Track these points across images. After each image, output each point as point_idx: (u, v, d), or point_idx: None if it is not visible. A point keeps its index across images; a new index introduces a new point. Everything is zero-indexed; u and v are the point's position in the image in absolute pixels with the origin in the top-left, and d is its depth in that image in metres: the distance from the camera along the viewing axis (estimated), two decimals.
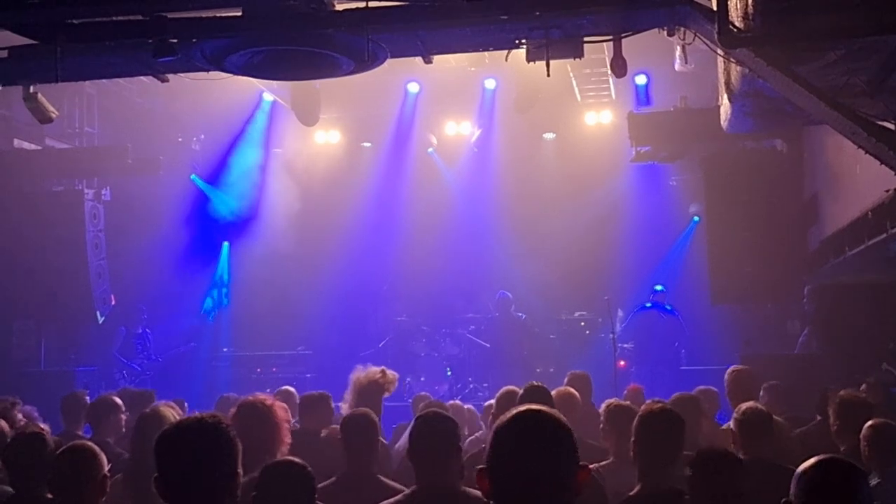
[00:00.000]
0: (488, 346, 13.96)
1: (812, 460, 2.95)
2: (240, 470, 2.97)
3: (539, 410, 2.46)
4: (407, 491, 4.37)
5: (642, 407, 4.90)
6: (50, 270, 12.31)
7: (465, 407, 8.58)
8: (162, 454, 2.92)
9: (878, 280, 10.55)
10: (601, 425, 5.67)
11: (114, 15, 6.89)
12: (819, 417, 7.04)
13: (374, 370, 6.61)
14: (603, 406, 5.83)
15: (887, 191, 7.04)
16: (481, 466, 2.40)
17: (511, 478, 2.32)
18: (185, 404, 7.90)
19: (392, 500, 4.33)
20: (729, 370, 7.49)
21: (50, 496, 4.37)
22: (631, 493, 4.30)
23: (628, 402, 6.08)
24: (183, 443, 2.93)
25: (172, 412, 5.30)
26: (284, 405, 5.31)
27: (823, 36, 5.77)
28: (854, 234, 8.52)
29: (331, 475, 4.96)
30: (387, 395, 6.55)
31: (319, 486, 4.76)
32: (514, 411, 2.45)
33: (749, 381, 7.33)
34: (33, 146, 13.06)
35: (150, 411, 5.45)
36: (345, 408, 6.60)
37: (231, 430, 2.98)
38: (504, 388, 6.45)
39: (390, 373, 6.62)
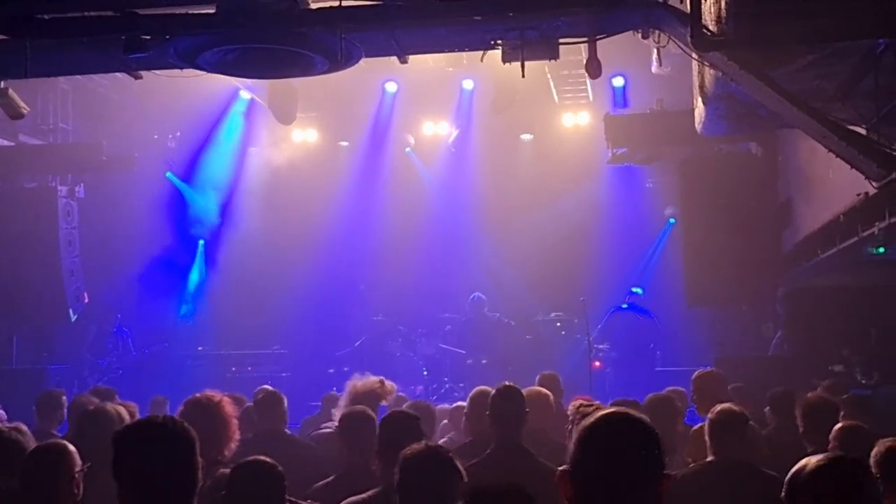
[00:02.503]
0: (463, 352, 13.94)
1: (819, 459, 2.88)
2: (199, 470, 2.97)
3: (628, 414, 2.41)
4: (373, 490, 4.38)
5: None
6: (22, 268, 12.17)
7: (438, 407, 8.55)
8: (121, 453, 2.92)
9: (850, 283, 10.65)
10: (568, 426, 5.64)
11: (84, 10, 6.83)
12: (775, 423, 7.08)
13: (373, 380, 6.65)
14: (571, 407, 5.81)
15: (858, 194, 7.10)
16: (564, 468, 2.35)
17: (596, 482, 2.29)
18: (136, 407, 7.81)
19: (358, 497, 4.34)
20: (696, 374, 7.50)
21: None
22: None
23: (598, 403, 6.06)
24: (142, 442, 2.94)
25: (119, 410, 5.24)
26: (232, 401, 5.28)
27: (795, 40, 5.81)
28: (826, 237, 8.60)
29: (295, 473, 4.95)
30: (384, 403, 6.55)
31: (321, 484, 4.78)
32: (602, 414, 2.40)
33: (717, 384, 7.34)
34: (6, 142, 12.90)
35: (94, 409, 5.40)
36: (336, 414, 6.58)
37: (190, 430, 2.99)
38: (477, 389, 6.44)
39: (389, 383, 6.66)
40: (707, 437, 5.48)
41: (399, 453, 3.99)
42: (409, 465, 3.71)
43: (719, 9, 5.84)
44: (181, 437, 2.97)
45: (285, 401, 6.67)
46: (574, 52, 9.40)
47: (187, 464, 2.94)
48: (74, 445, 4.65)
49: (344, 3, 6.65)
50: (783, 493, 2.85)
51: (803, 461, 2.86)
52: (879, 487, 2.88)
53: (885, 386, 9.45)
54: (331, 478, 4.96)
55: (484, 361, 13.32)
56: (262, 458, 4.12)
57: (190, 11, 6.81)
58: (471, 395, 6.33)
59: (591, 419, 2.38)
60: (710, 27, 6.03)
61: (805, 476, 2.80)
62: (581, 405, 5.68)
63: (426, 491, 3.66)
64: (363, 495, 4.36)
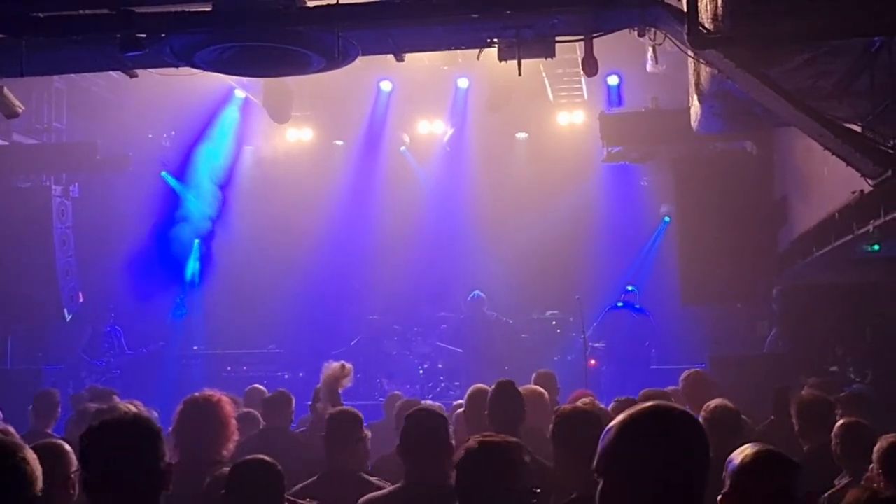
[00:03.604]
0: (461, 351, 13.95)
1: (748, 450, 2.94)
2: (163, 464, 2.95)
3: (672, 407, 2.37)
4: (395, 486, 4.38)
5: (559, 409, 4.85)
6: (17, 267, 12.15)
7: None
8: (84, 452, 2.94)
9: (845, 281, 10.67)
10: None
11: (80, 9, 6.81)
12: (773, 417, 7.12)
13: (335, 365, 6.82)
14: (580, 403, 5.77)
15: (853, 192, 7.12)
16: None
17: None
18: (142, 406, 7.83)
19: (379, 493, 4.34)
20: (684, 374, 7.53)
21: None
22: (571, 497, 4.06)
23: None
24: (103, 440, 2.94)
25: (130, 409, 5.25)
26: (230, 400, 5.29)
27: (791, 38, 5.82)
28: (821, 234, 8.61)
29: (300, 472, 4.97)
30: (341, 388, 6.67)
31: (303, 484, 4.77)
32: (646, 406, 2.33)
33: (705, 383, 7.37)
34: (0, 141, 12.88)
35: (108, 409, 5.40)
36: (319, 405, 6.76)
37: (153, 424, 2.99)
38: (474, 387, 6.45)
39: (348, 366, 6.85)
40: None
41: (422, 450, 3.98)
42: (464, 465, 3.53)
43: (716, 7, 5.84)
44: (138, 433, 2.96)
45: (293, 401, 6.78)
46: (569, 50, 9.42)
47: (147, 458, 2.93)
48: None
49: (341, 1, 6.65)
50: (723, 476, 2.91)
51: (739, 450, 2.91)
52: (802, 484, 2.94)
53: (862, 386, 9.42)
54: (314, 478, 4.97)
55: (480, 359, 13.31)
56: (262, 456, 4.12)
57: (186, 9, 6.80)
58: (468, 393, 6.35)
59: (633, 410, 2.28)
60: (707, 25, 6.04)
61: (739, 466, 2.89)
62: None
63: (483, 491, 3.45)
64: (384, 491, 4.37)
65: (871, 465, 4.65)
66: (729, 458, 2.97)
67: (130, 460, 2.90)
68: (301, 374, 13.38)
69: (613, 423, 2.28)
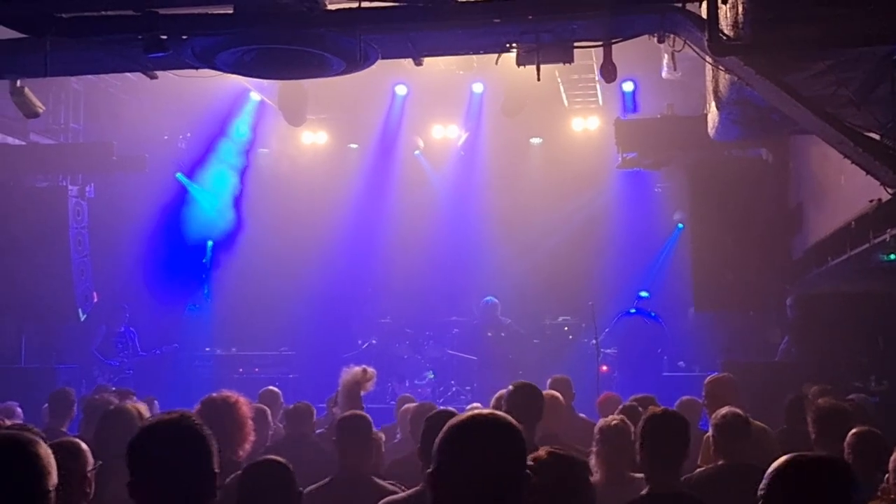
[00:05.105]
0: (474, 358, 13.94)
1: (793, 456, 2.93)
2: (217, 469, 2.90)
3: (495, 414, 2.49)
4: (414, 489, 4.40)
5: (647, 410, 4.91)
6: (32, 267, 12.22)
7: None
8: (136, 457, 2.84)
9: (859, 290, 10.64)
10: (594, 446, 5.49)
11: (104, 10, 6.86)
12: (785, 425, 7.11)
13: (357, 369, 6.91)
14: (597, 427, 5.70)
15: (871, 201, 7.11)
16: (430, 470, 2.42)
17: (467, 483, 2.35)
18: (156, 402, 7.92)
19: (399, 496, 4.36)
20: (707, 379, 7.52)
21: None
22: (641, 494, 4.34)
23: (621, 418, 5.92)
24: (158, 444, 2.85)
25: (139, 408, 5.28)
26: (248, 401, 5.33)
27: (812, 46, 5.83)
28: (837, 243, 8.59)
29: (320, 476, 5.00)
30: (363, 392, 6.71)
31: (313, 487, 4.80)
32: (470, 414, 2.49)
33: (727, 388, 7.35)
34: (17, 141, 12.97)
35: (115, 408, 5.43)
36: (336, 410, 6.82)
37: (205, 428, 2.92)
38: (499, 393, 6.44)
39: (370, 370, 6.93)
40: (713, 442, 5.49)
41: None
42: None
43: (736, 14, 5.86)
44: (193, 436, 2.90)
45: (314, 412, 6.87)
46: (584, 56, 9.42)
47: (202, 462, 2.88)
48: (93, 443, 4.65)
49: (363, 5, 6.68)
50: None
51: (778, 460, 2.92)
52: (847, 487, 2.88)
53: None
54: (326, 480, 5.01)
55: (492, 364, 13.28)
56: (275, 458, 4.13)
57: (209, 12, 6.84)
58: (494, 397, 6.36)
59: (458, 419, 2.45)
60: (727, 32, 6.06)
61: (772, 474, 2.86)
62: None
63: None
64: (403, 494, 4.39)
65: (886, 476, 4.63)
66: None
67: (184, 464, 2.83)
68: (312, 376, 13.42)
69: (447, 424, 2.46)
